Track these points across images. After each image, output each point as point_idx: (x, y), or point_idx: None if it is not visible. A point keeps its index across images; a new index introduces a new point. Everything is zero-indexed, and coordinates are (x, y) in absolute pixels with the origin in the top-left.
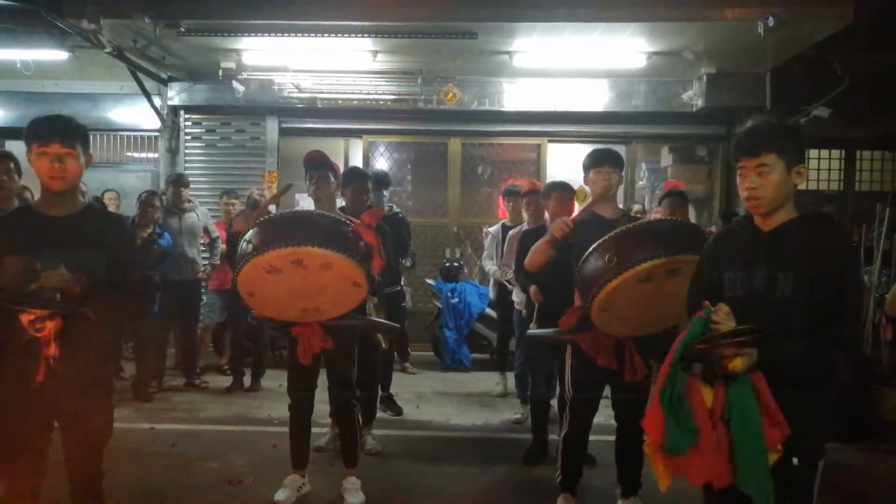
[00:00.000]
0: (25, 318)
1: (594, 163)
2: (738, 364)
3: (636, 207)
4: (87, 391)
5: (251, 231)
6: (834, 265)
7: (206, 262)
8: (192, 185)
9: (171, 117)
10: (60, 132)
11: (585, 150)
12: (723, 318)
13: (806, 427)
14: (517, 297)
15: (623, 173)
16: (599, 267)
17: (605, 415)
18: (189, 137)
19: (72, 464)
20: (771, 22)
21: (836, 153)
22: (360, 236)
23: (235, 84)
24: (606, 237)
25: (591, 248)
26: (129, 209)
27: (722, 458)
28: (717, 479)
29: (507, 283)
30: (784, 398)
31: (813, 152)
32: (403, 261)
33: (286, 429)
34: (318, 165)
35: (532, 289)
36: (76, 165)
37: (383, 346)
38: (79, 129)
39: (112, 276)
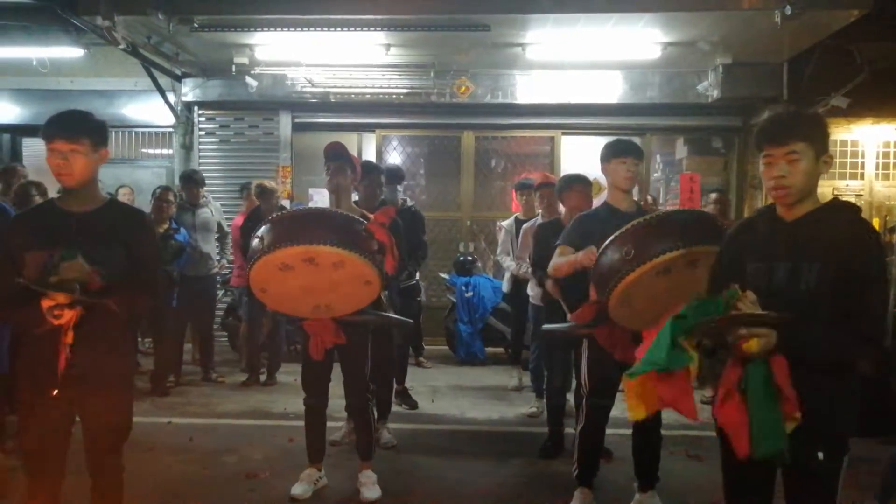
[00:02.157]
0: (45, 304)
1: (617, 153)
2: (753, 346)
3: (647, 199)
4: (107, 385)
5: (264, 227)
6: (858, 255)
7: (219, 257)
8: (206, 181)
9: (185, 113)
10: (63, 129)
11: (600, 142)
12: (747, 305)
13: (831, 421)
14: (532, 290)
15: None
16: (617, 260)
17: (621, 408)
18: (203, 133)
19: (92, 457)
20: (788, 11)
21: (855, 143)
22: (373, 235)
23: (248, 79)
24: (623, 230)
25: (607, 242)
26: (144, 205)
27: (742, 433)
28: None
29: (526, 277)
30: (809, 392)
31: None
32: (415, 259)
33: (302, 423)
34: (335, 156)
35: (549, 283)
36: (83, 161)
37: (398, 341)
38: (85, 124)
39: (133, 271)
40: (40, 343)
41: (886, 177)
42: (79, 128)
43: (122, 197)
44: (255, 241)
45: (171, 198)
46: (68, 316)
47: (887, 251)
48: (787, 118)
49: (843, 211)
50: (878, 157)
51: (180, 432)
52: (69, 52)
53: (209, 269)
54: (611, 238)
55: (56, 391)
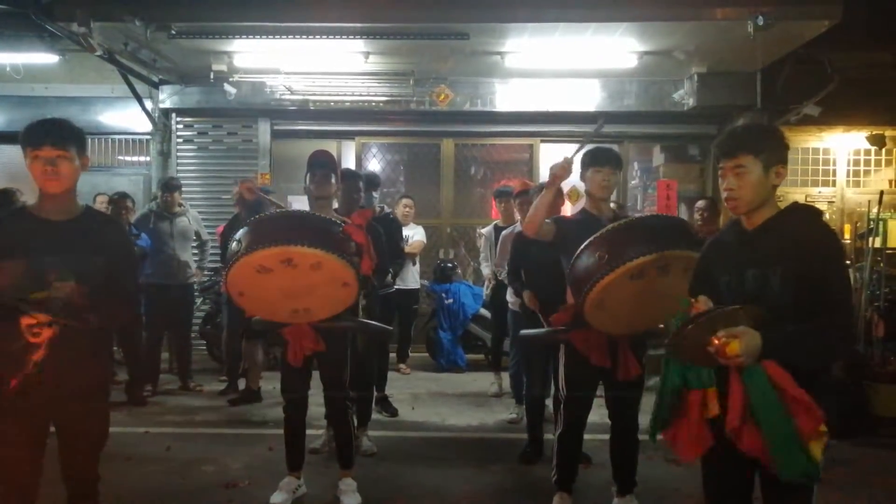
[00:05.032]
0: (25, 322)
1: (594, 162)
2: (735, 347)
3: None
4: (84, 394)
5: (241, 231)
6: (818, 253)
7: (196, 265)
8: (184, 188)
9: (162, 120)
10: (51, 135)
11: None
12: (704, 307)
13: None
14: (511, 297)
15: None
16: (591, 264)
17: (599, 413)
18: (181, 140)
19: (68, 468)
20: (761, 21)
21: (827, 151)
22: (350, 236)
23: (227, 86)
24: (598, 234)
25: (582, 246)
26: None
27: (758, 445)
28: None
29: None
30: None
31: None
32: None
33: (281, 431)
34: (322, 164)
35: (526, 294)
36: (70, 168)
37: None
38: (72, 131)
39: (110, 281)
40: (9, 356)
41: (857, 184)
42: (66, 134)
43: (100, 205)
44: (234, 245)
45: (129, 204)
46: (46, 335)
47: (858, 257)
48: (736, 132)
49: (799, 213)
50: (849, 165)
51: (158, 442)
52: (44, 58)
53: (187, 278)
54: (586, 242)
55: (31, 404)
